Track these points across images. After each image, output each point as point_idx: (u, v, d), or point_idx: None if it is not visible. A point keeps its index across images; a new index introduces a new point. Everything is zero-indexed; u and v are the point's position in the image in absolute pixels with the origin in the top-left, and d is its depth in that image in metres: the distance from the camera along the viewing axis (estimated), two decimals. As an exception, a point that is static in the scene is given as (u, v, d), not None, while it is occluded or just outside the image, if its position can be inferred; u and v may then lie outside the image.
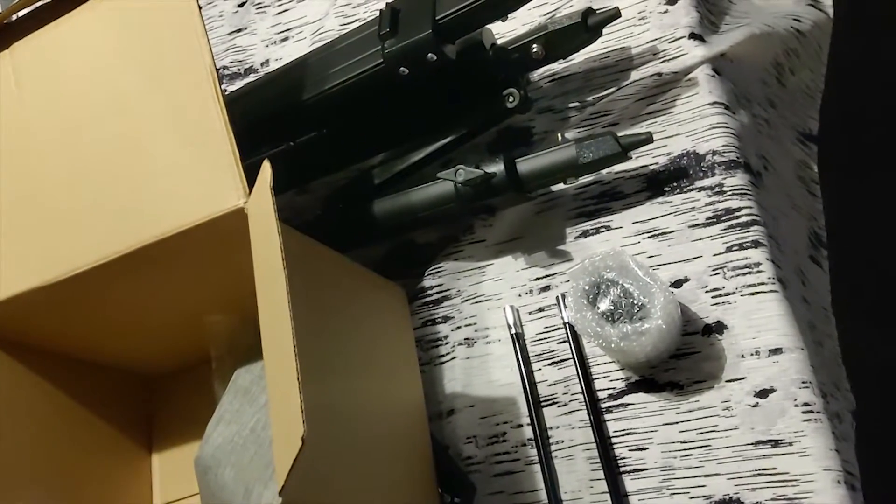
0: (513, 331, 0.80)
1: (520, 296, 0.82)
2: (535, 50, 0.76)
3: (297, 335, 0.55)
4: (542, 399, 0.77)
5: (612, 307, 0.69)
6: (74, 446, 0.84)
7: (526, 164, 0.77)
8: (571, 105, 0.85)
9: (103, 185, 0.71)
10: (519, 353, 0.79)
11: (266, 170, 0.60)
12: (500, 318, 0.81)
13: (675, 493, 0.69)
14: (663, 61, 0.81)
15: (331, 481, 0.62)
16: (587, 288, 0.71)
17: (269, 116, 0.83)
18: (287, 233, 0.59)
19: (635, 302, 0.68)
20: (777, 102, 0.86)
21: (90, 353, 0.86)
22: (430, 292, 0.85)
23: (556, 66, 0.86)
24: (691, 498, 0.68)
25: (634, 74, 0.82)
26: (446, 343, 0.83)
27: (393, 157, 0.84)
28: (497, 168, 0.76)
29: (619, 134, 0.75)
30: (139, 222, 0.69)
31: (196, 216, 0.67)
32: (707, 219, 0.75)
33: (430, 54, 0.73)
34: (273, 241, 0.58)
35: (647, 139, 0.74)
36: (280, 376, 0.55)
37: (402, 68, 0.75)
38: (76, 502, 0.81)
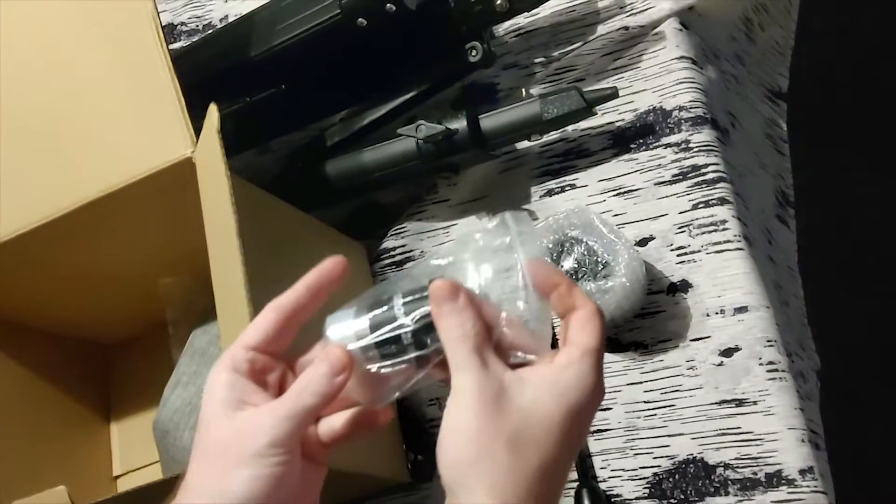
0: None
1: (484, 256, 0.80)
2: (498, 2, 0.73)
3: (251, 287, 0.53)
4: (505, 360, 0.76)
5: (576, 265, 0.68)
6: (31, 417, 0.82)
7: (489, 121, 0.75)
8: (537, 60, 0.83)
9: (45, 142, 0.68)
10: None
11: (213, 114, 0.57)
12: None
13: (638, 454, 0.68)
14: (630, 15, 0.79)
15: None
16: (551, 246, 0.69)
17: (223, 71, 0.80)
18: (238, 182, 0.57)
19: (599, 260, 0.67)
20: (746, 59, 0.85)
21: (42, 320, 0.84)
22: (393, 253, 0.83)
23: (522, 21, 0.84)
24: (655, 458, 0.68)
25: (601, 29, 0.80)
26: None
27: (353, 114, 0.81)
28: (459, 124, 0.74)
29: (585, 89, 0.73)
30: (83, 178, 0.66)
31: (142, 168, 0.65)
32: (673, 176, 0.73)
33: (388, 4, 0.71)
34: (223, 189, 0.56)
35: (613, 94, 0.72)
36: (234, 330, 0.54)
37: (360, 20, 0.72)
38: (34, 474, 0.79)
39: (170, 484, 0.43)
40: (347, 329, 0.44)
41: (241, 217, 0.55)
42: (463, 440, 0.40)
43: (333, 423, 0.46)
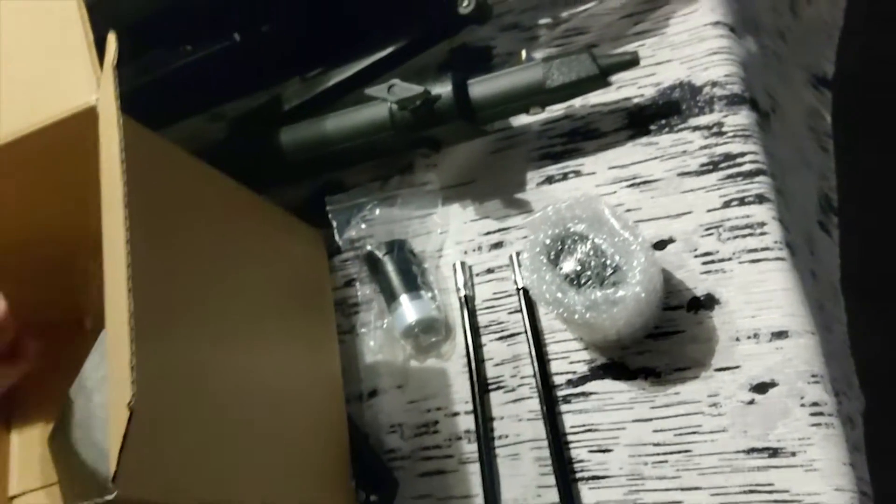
0: (462, 293, 0.65)
1: (466, 253, 0.67)
2: (498, -58, 0.60)
3: (136, 270, 0.41)
4: (485, 382, 0.63)
5: (579, 268, 0.54)
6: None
7: (480, 87, 0.62)
8: (542, 22, 0.70)
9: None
10: (467, 322, 0.64)
11: (110, 45, 0.44)
12: (442, 278, 0.66)
13: (643, 509, 0.55)
14: (657, -30, 0.66)
15: (195, 467, 0.48)
16: (549, 242, 0.56)
17: (160, 11, 0.66)
18: (138, 134, 0.44)
19: (608, 263, 0.54)
20: (789, 36, 0.72)
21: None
22: (357, 245, 0.70)
23: (526, -26, 0.70)
24: (664, 516, 0.54)
25: (620, -15, 0.67)
26: (373, 308, 0.68)
27: (317, 74, 0.68)
28: (443, 89, 0.61)
29: (598, 54, 0.60)
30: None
31: (38, 118, 0.52)
32: (701, 165, 0.60)
33: (361, -68, 0.57)
34: (115, 141, 0.42)
35: (633, 61, 0.60)
36: (117, 326, 0.41)
37: (326, -49, 0.59)
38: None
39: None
40: None
41: (137, 180, 0.42)
42: None
43: None
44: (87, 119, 0.51)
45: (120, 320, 0.40)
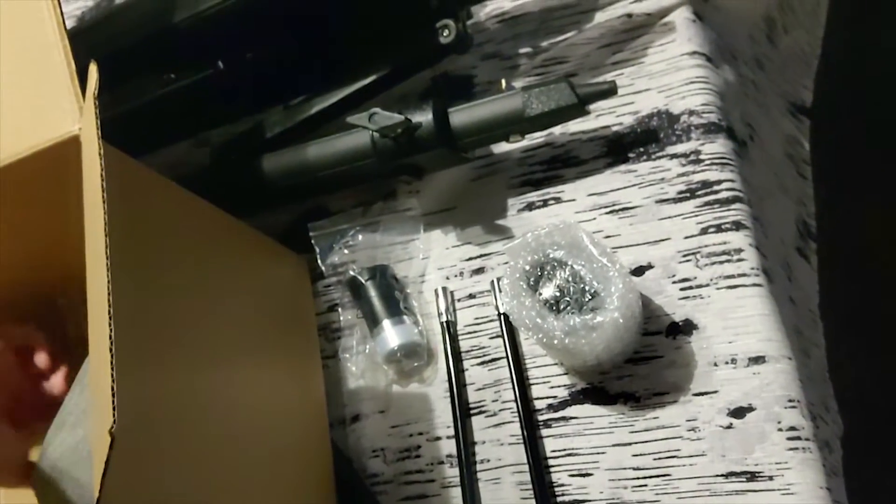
0: (443, 318, 0.65)
1: (448, 278, 0.67)
2: (478, -28, 0.61)
3: (117, 296, 0.41)
4: (467, 406, 0.63)
5: (558, 294, 0.55)
6: None
7: (460, 115, 0.63)
8: (522, 51, 0.70)
9: None
10: (449, 347, 0.64)
11: (91, 74, 0.44)
12: (424, 303, 0.67)
13: (623, 533, 0.55)
14: (634, 1, 0.66)
15: (180, 495, 0.48)
16: (528, 269, 0.56)
17: (143, 40, 0.66)
18: (121, 163, 0.44)
19: (587, 288, 0.54)
20: (766, 64, 0.73)
21: None
22: (340, 270, 0.70)
23: (507, 4, 0.71)
24: (643, 540, 0.54)
25: (599, 16, 0.68)
26: (356, 333, 0.68)
27: (300, 102, 0.68)
28: (424, 117, 0.62)
29: (577, 83, 0.60)
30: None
31: (21, 147, 0.52)
32: (679, 193, 0.61)
33: (342, -36, 0.58)
34: (95, 171, 0.42)
35: (611, 90, 0.60)
36: (99, 353, 0.41)
37: (308, -18, 0.60)
38: None
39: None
40: None
41: (119, 207, 0.42)
42: None
43: None
44: (69, 148, 0.51)
45: (102, 347, 0.40)
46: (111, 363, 0.40)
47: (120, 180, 0.44)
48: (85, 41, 0.54)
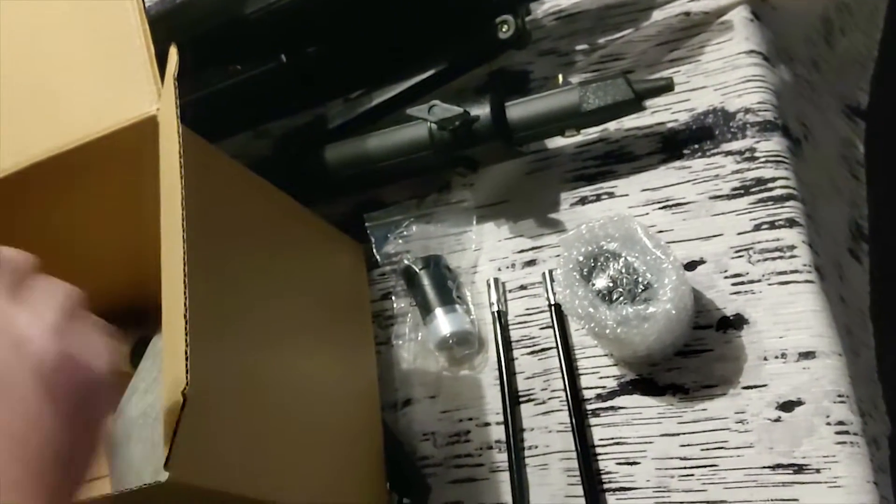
0: (494, 308, 0.66)
1: (500, 270, 0.69)
2: (538, -30, 0.62)
3: (192, 271, 0.43)
4: (516, 394, 0.64)
5: (611, 285, 0.56)
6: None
7: (517, 109, 0.64)
8: (579, 48, 0.71)
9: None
10: (499, 336, 0.66)
11: (172, 57, 0.47)
12: (476, 293, 0.68)
13: (669, 521, 0.56)
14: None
15: (240, 461, 0.50)
16: (582, 259, 0.57)
17: (213, 29, 0.69)
18: (197, 145, 0.46)
19: (640, 280, 0.55)
20: (823, 65, 0.73)
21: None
22: (394, 259, 0.72)
23: (564, 2, 0.73)
24: (689, 529, 0.55)
25: (657, 14, 0.69)
26: (408, 321, 0.69)
27: (360, 95, 0.70)
28: (482, 111, 0.63)
29: (634, 79, 0.61)
30: (32, 136, 0.56)
31: (99, 126, 0.54)
32: (733, 189, 0.61)
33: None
34: (174, 151, 0.44)
35: (668, 86, 0.61)
36: (174, 323, 0.43)
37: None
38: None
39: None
40: None
41: (195, 187, 0.44)
42: None
43: None
44: (147, 128, 0.53)
45: (177, 317, 0.42)
46: (185, 330, 0.42)
47: (195, 160, 0.46)
48: (162, 28, 0.56)
